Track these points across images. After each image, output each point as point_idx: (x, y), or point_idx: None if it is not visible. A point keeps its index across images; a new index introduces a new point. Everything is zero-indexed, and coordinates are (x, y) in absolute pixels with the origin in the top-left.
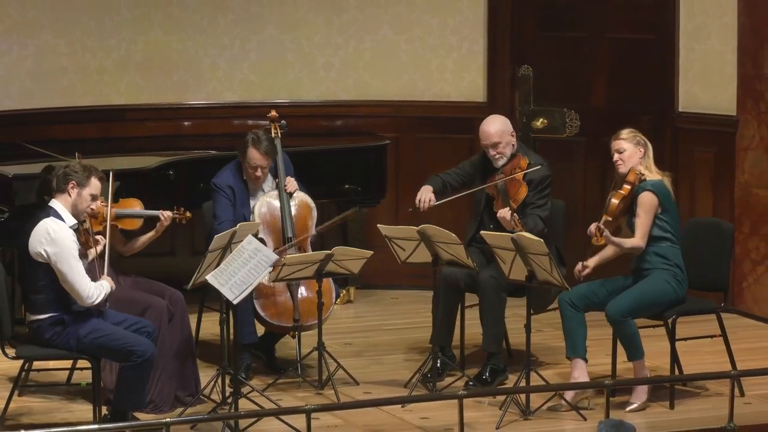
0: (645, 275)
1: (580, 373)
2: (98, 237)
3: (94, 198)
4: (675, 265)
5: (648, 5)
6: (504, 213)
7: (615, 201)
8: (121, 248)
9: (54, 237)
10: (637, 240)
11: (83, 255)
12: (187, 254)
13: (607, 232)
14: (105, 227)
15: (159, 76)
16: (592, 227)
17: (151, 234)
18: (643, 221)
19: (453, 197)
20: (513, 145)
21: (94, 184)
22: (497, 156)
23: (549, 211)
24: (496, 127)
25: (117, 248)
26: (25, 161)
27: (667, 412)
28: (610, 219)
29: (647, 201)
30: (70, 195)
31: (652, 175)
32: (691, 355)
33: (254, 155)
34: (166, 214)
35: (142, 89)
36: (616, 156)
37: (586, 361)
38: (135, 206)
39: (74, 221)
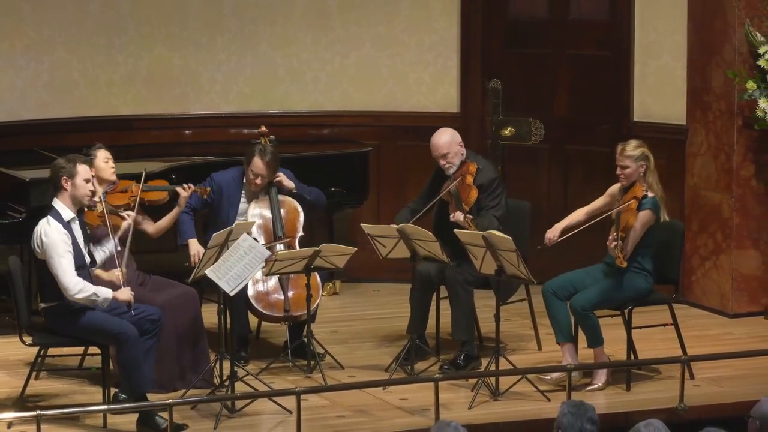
0: (619, 274)
1: (571, 356)
2: (126, 213)
3: (87, 181)
4: (646, 270)
5: (605, 24)
6: (457, 216)
7: (632, 219)
8: (151, 230)
9: (44, 237)
10: (628, 251)
11: (100, 239)
12: (187, 251)
13: (625, 250)
14: (134, 203)
15: (162, 89)
16: (612, 246)
17: (176, 209)
18: (637, 234)
19: (419, 215)
20: (462, 154)
21: (82, 169)
22: (447, 165)
23: (503, 210)
24: (444, 139)
25: (147, 231)
26: (41, 167)
27: (623, 394)
28: (624, 235)
29: (646, 218)
30: (67, 189)
31: (655, 190)
32: (646, 342)
33: (257, 163)
34: (186, 186)
35: (147, 101)
36: (618, 170)
37: (575, 344)
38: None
39: (72, 215)
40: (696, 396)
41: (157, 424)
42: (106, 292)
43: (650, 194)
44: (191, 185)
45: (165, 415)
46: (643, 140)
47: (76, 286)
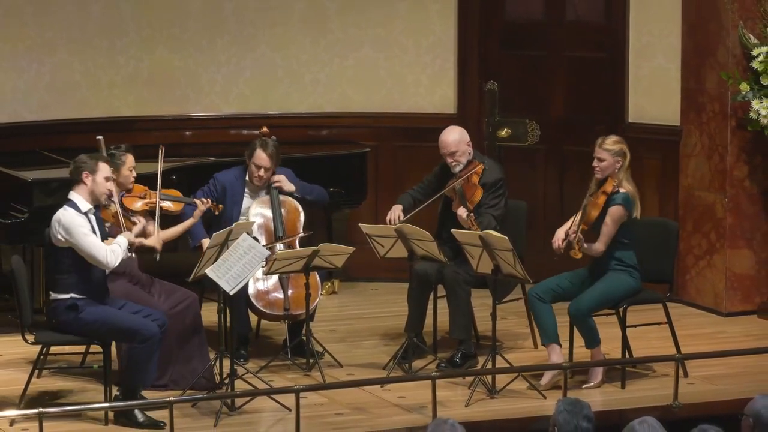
0: (603, 274)
1: (557, 356)
2: (135, 218)
3: (107, 179)
4: (630, 266)
5: (601, 27)
6: (461, 212)
7: (594, 213)
8: (156, 245)
9: (63, 222)
10: (601, 246)
11: (110, 235)
12: (188, 250)
13: (584, 243)
14: (153, 208)
15: (163, 90)
16: (572, 237)
17: (189, 221)
18: (609, 230)
19: (422, 206)
20: (469, 153)
21: (103, 167)
22: (454, 163)
23: (502, 210)
24: (453, 137)
25: (147, 244)
26: (43, 167)
27: (618, 392)
28: (586, 228)
29: (617, 214)
30: (86, 184)
31: (625, 186)
32: (640, 341)
33: (260, 155)
34: (202, 201)
35: (148, 102)
36: (595, 162)
37: (560, 345)
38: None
39: (89, 206)
40: (690, 394)
41: (135, 416)
42: (123, 242)
43: (622, 190)
44: (208, 200)
45: (152, 413)
46: (638, 141)
47: (109, 256)
